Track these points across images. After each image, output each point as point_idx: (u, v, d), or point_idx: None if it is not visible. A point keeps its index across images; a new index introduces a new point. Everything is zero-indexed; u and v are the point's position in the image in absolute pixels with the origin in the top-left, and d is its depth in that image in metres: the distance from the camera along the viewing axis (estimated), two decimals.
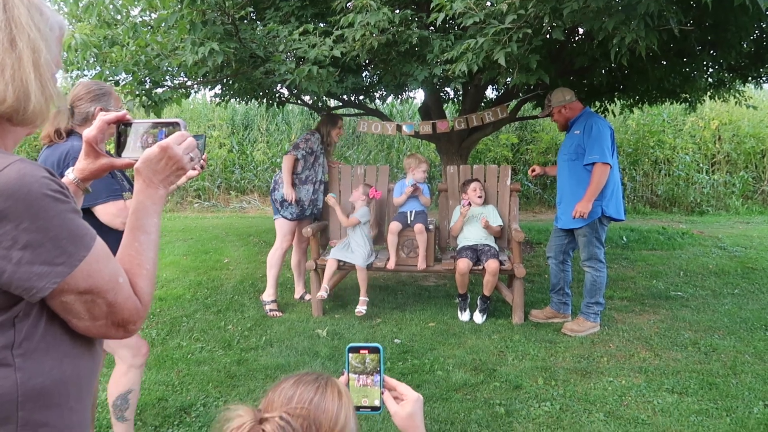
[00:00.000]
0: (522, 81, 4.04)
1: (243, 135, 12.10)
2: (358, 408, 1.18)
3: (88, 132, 1.20)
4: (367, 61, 5.14)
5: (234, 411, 0.96)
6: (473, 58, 3.73)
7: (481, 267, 4.38)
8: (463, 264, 4.33)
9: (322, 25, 4.83)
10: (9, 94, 0.91)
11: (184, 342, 4.11)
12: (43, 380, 0.93)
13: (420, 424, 1.20)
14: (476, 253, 4.49)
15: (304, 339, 4.13)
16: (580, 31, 5.21)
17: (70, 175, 1.26)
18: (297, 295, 5.14)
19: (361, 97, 6.78)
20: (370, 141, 11.73)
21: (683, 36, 3.86)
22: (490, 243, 4.60)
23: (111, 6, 4.35)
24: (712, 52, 5.05)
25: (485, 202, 4.81)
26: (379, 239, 5.10)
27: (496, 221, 4.70)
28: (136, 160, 1.13)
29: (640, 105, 6.94)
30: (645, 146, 10.65)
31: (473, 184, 4.76)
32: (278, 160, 11.17)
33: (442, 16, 3.70)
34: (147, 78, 4.47)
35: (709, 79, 6.13)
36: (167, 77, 4.71)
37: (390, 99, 7.90)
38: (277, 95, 6.20)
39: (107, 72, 4.27)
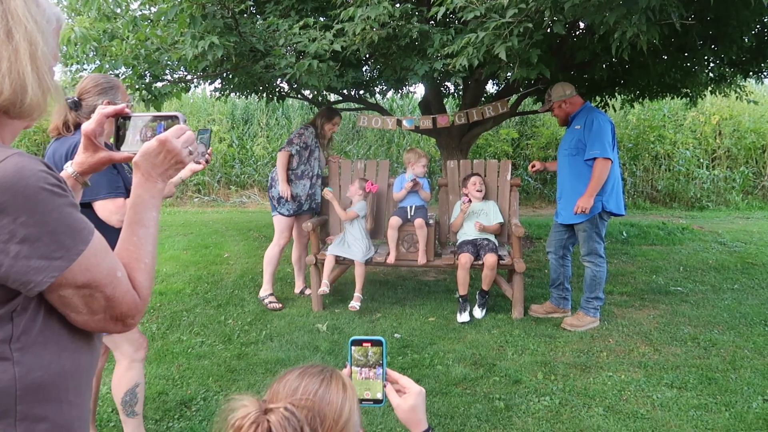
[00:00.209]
0: (523, 75, 4.03)
1: (243, 129, 12.08)
2: (360, 401, 1.18)
3: (87, 125, 1.19)
4: (367, 56, 5.13)
5: (239, 401, 0.96)
6: (474, 53, 3.71)
7: (480, 262, 4.38)
8: (465, 258, 4.33)
9: (322, 19, 4.81)
10: (6, 87, 0.91)
11: (184, 336, 4.12)
12: (41, 374, 0.93)
13: (422, 417, 1.20)
14: (476, 248, 4.49)
15: (304, 333, 4.14)
16: (581, 25, 5.20)
17: (69, 169, 1.26)
18: (297, 290, 5.14)
19: (362, 92, 6.77)
20: (370, 136, 11.71)
21: (684, 30, 3.84)
22: (489, 238, 4.60)
23: None
24: (713, 46, 5.04)
25: (485, 198, 4.80)
26: (377, 234, 5.10)
27: (496, 217, 4.69)
28: (135, 154, 1.12)
29: (640, 100, 6.93)
30: (645, 141, 10.63)
31: (473, 178, 4.75)
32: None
33: (442, 10, 3.68)
34: (147, 72, 4.46)
35: (710, 74, 6.12)
36: (167, 71, 4.70)
37: (390, 93, 7.89)
38: (277, 89, 6.18)
39: (107, 66, 4.26)
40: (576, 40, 5.12)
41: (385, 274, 5.76)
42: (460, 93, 7.23)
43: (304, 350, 3.84)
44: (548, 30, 3.75)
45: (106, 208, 2.19)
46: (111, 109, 1.19)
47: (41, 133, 11.25)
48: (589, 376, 3.42)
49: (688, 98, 6.62)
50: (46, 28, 0.98)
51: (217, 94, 6.13)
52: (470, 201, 4.60)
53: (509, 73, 4.52)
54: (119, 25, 4.36)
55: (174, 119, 1.17)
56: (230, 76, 5.32)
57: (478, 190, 4.72)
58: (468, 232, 4.65)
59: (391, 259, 4.63)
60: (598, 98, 6.81)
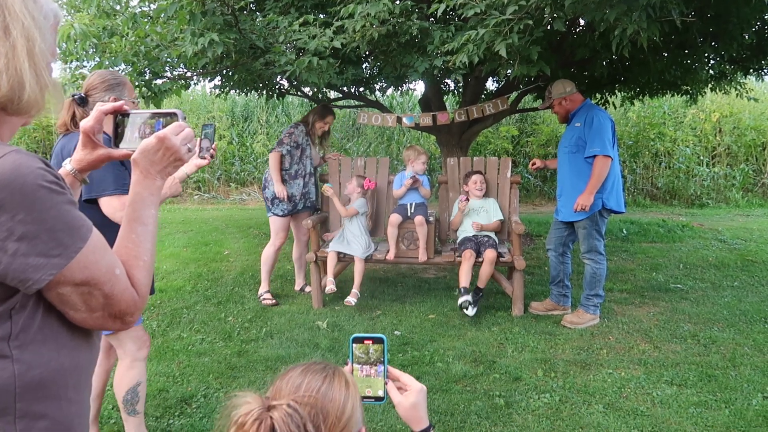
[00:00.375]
0: (523, 73, 4.02)
1: (243, 127, 12.07)
2: (362, 398, 1.18)
3: (85, 122, 1.19)
4: (367, 53, 5.11)
5: (242, 398, 0.96)
6: (474, 50, 3.71)
7: (481, 258, 4.37)
8: (469, 253, 4.32)
9: (322, 16, 4.80)
10: (3, 84, 0.90)
11: (184, 333, 4.12)
12: (40, 372, 0.93)
13: (423, 414, 1.20)
14: (477, 245, 4.48)
15: (305, 331, 4.14)
16: (582, 22, 5.18)
17: (68, 166, 1.25)
18: (297, 287, 5.15)
19: (361, 89, 6.76)
20: (370, 133, 11.70)
21: (685, 27, 3.84)
22: (490, 235, 4.59)
23: None
24: (713, 43, 5.03)
25: (486, 195, 4.80)
26: (377, 231, 5.10)
27: (496, 215, 4.69)
28: (134, 151, 1.12)
29: (640, 97, 6.92)
30: (645, 138, 10.62)
31: (475, 177, 4.74)
32: None
33: (442, 6, 3.68)
34: (146, 69, 4.45)
35: (711, 71, 6.11)
36: (167, 68, 4.68)
37: (390, 91, 7.88)
38: (277, 87, 6.17)
39: (106, 62, 4.25)
40: (576, 37, 5.11)
41: (385, 272, 5.76)
42: (460, 90, 7.22)
43: (305, 347, 3.84)
44: (548, 27, 3.75)
45: (111, 205, 2.19)
46: (109, 106, 1.19)
47: (41, 130, 11.25)
48: (589, 373, 3.42)
49: (689, 95, 6.61)
50: (44, 24, 0.98)
51: (217, 91, 6.12)
52: (467, 199, 4.59)
53: (509, 70, 4.51)
54: (119, 22, 4.35)
55: (173, 116, 1.17)
56: (230, 73, 5.31)
57: (478, 189, 4.71)
58: (468, 229, 4.65)
59: (390, 256, 4.62)
60: (598, 95, 6.80)
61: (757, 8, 4.10)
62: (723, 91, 6.61)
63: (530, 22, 3.42)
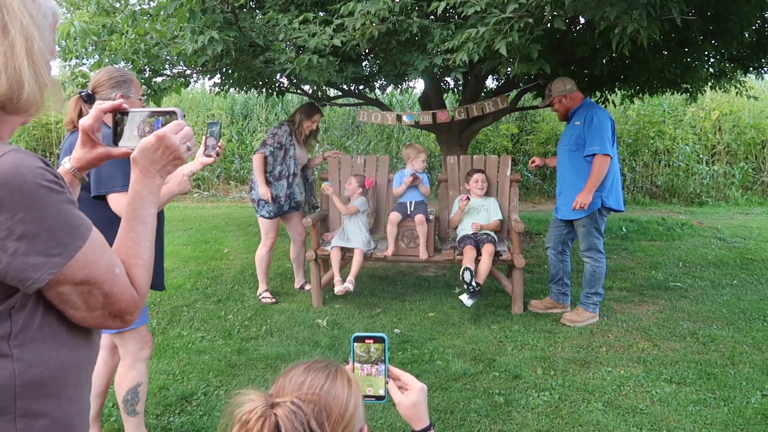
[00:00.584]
0: (523, 71, 4.02)
1: (242, 125, 12.06)
2: (363, 397, 1.19)
3: (85, 121, 1.19)
4: (367, 51, 5.11)
5: (245, 395, 0.96)
6: (474, 48, 3.70)
7: (480, 256, 4.37)
8: (468, 248, 4.32)
9: (322, 13, 4.80)
10: (2, 83, 0.90)
11: (184, 331, 4.12)
12: (40, 370, 0.93)
13: (424, 413, 1.21)
14: (476, 243, 4.48)
15: (305, 329, 4.14)
16: (582, 20, 5.18)
17: (67, 165, 1.25)
18: (297, 285, 5.15)
19: (361, 87, 6.75)
20: (370, 131, 11.70)
21: (685, 25, 3.83)
22: (489, 232, 4.59)
23: None
24: (713, 42, 5.03)
25: (486, 194, 4.80)
26: (377, 229, 5.10)
27: (496, 214, 4.69)
28: (133, 150, 1.12)
29: (640, 95, 6.91)
30: (645, 137, 10.62)
31: (476, 175, 4.73)
32: None
33: (442, 4, 3.67)
34: (146, 66, 4.44)
35: (710, 70, 6.11)
36: (166, 66, 4.68)
37: (390, 89, 7.86)
38: (276, 84, 6.16)
39: (106, 60, 4.25)
40: (576, 36, 5.10)
41: (384, 270, 5.76)
42: (460, 88, 7.22)
43: (305, 345, 3.85)
44: (548, 25, 3.74)
45: (119, 202, 2.18)
46: (109, 104, 1.19)
47: (40, 128, 11.25)
48: (589, 371, 3.42)
49: (688, 94, 6.61)
50: (42, 22, 0.97)
51: (217, 89, 6.11)
52: (468, 199, 4.59)
53: (509, 69, 4.50)
54: (118, 20, 4.35)
55: (172, 115, 1.17)
56: (230, 71, 5.31)
57: (479, 188, 4.71)
58: (467, 228, 4.64)
59: (388, 252, 4.61)
60: (598, 93, 6.80)
61: (757, 6, 4.10)
62: (723, 90, 6.60)
63: (530, 20, 3.42)
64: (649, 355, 3.61)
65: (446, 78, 6.84)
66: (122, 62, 4.31)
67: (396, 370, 1.26)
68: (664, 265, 5.75)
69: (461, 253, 4.38)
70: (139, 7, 4.61)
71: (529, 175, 10.67)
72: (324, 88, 6.59)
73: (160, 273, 2.57)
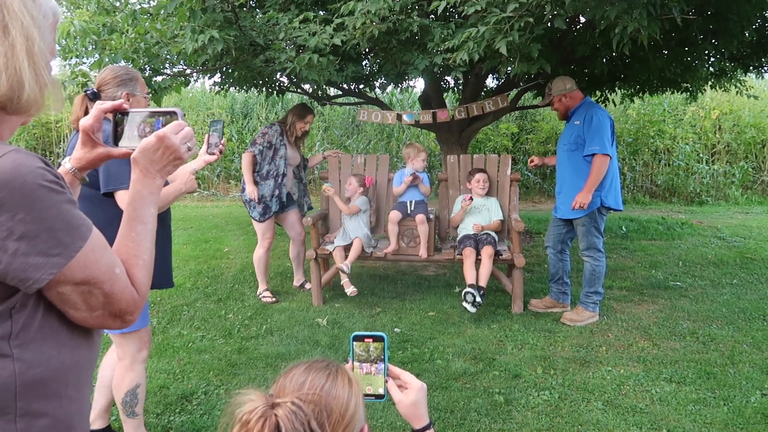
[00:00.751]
0: (523, 70, 4.02)
1: (242, 124, 12.06)
2: (363, 396, 1.19)
3: (85, 121, 1.19)
4: (367, 50, 5.11)
5: (246, 395, 0.96)
6: (474, 47, 3.70)
7: (480, 256, 4.37)
8: (468, 251, 4.32)
9: (322, 13, 4.79)
10: (2, 83, 0.90)
11: (184, 330, 4.13)
12: (41, 370, 0.93)
13: (423, 412, 1.21)
14: (476, 242, 4.49)
15: (305, 328, 4.15)
16: (582, 19, 5.18)
17: (67, 165, 1.25)
18: (296, 283, 5.15)
19: (361, 86, 6.75)
20: (370, 130, 11.70)
21: (685, 25, 3.83)
22: (489, 232, 4.59)
23: None
24: (713, 41, 5.02)
25: (487, 194, 4.80)
26: (378, 228, 5.10)
27: (497, 214, 4.69)
28: (133, 150, 1.12)
29: (640, 94, 6.91)
30: (645, 136, 10.61)
31: (478, 175, 4.72)
32: None
33: (443, 4, 3.67)
34: (146, 66, 4.44)
35: (711, 69, 6.10)
36: (167, 65, 4.68)
37: (390, 88, 7.86)
38: (276, 84, 6.16)
39: (106, 59, 4.24)
40: (576, 35, 5.10)
41: (385, 269, 5.77)
42: (460, 87, 7.21)
43: (305, 344, 3.85)
44: (549, 24, 3.74)
45: (125, 199, 2.19)
46: (109, 104, 1.19)
47: (40, 127, 11.25)
48: (589, 370, 3.43)
49: (688, 93, 6.61)
50: (43, 23, 0.97)
51: (217, 88, 6.11)
52: (471, 199, 4.59)
53: (510, 68, 4.50)
54: (119, 19, 4.34)
55: (172, 115, 1.17)
56: (230, 70, 5.30)
57: (481, 188, 4.71)
58: (468, 228, 4.65)
59: (391, 249, 4.61)
60: (598, 93, 6.80)
61: (758, 6, 4.09)
62: (723, 89, 6.61)
63: (531, 19, 3.42)
64: (648, 355, 3.62)
65: (446, 77, 6.84)
66: (122, 61, 4.31)
67: (395, 369, 1.26)
68: (664, 265, 5.75)
69: (461, 253, 4.39)
70: (139, 6, 4.61)
71: (529, 174, 10.67)
72: (324, 87, 6.59)
73: (168, 270, 2.58)
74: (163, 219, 2.44)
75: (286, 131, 4.81)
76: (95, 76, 4.20)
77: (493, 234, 4.58)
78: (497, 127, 10.96)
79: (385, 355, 1.25)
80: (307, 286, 5.03)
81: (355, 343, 1.25)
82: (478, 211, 4.69)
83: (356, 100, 7.14)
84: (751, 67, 5.83)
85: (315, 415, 0.96)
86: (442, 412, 2.96)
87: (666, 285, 5.05)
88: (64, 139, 11.33)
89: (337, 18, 4.15)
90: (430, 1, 3.85)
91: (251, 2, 5.18)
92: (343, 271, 4.45)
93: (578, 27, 5.32)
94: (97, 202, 2.23)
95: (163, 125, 1.14)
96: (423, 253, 4.57)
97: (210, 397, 3.17)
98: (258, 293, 4.86)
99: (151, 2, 4.88)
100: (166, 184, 2.39)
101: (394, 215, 4.62)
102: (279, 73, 5.27)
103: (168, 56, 4.41)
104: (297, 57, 4.11)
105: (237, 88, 6.12)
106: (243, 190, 4.78)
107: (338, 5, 4.11)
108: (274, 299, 4.76)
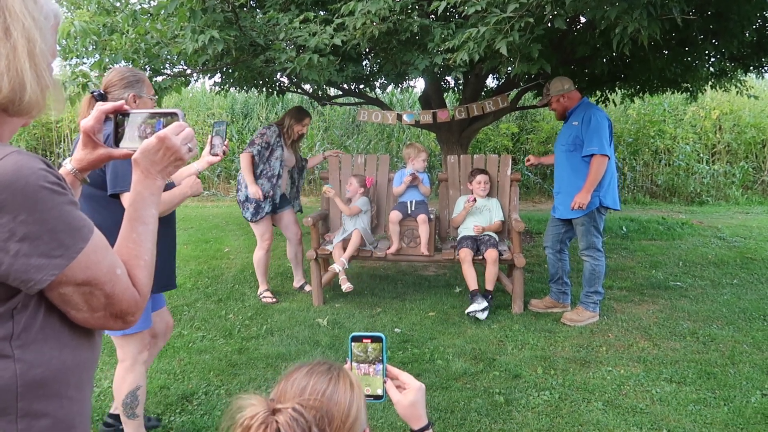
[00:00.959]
0: (523, 70, 4.02)
1: (243, 124, 12.06)
2: None
3: (86, 122, 1.19)
4: (367, 50, 5.11)
5: (246, 400, 0.96)
6: (475, 48, 3.70)
7: (481, 257, 4.38)
8: (464, 253, 4.33)
9: (322, 13, 4.79)
10: (4, 85, 0.91)
11: (185, 331, 4.13)
12: (42, 371, 0.94)
13: (422, 412, 1.21)
14: (476, 243, 4.49)
15: (305, 328, 4.15)
16: (582, 20, 5.18)
17: (68, 166, 1.26)
18: (296, 284, 5.14)
19: (362, 86, 6.75)
20: (370, 130, 11.70)
21: (685, 25, 3.83)
22: (490, 233, 4.59)
23: None
24: (714, 41, 5.02)
25: (488, 195, 4.80)
26: (378, 229, 5.10)
27: (497, 215, 4.69)
28: (134, 151, 1.12)
29: (641, 94, 6.91)
30: (645, 136, 10.61)
31: (479, 177, 4.72)
32: None
33: (443, 4, 3.67)
34: (147, 66, 4.44)
35: (711, 69, 6.10)
36: (167, 65, 4.68)
37: (390, 88, 7.86)
38: (277, 84, 6.16)
39: (107, 60, 4.25)
40: (577, 35, 5.10)
41: (385, 269, 5.77)
42: (460, 87, 7.21)
43: (305, 345, 3.85)
44: (549, 25, 3.74)
45: (127, 201, 2.19)
46: (110, 105, 1.19)
47: (40, 128, 11.25)
48: (589, 370, 3.43)
49: (689, 93, 6.61)
50: (44, 24, 0.98)
51: (217, 88, 6.12)
52: (475, 200, 4.59)
53: (510, 68, 4.50)
54: (119, 19, 4.35)
55: (173, 116, 1.17)
56: (230, 71, 5.31)
57: (482, 189, 4.70)
58: (469, 227, 4.65)
59: (392, 249, 4.61)
60: (598, 93, 6.80)
61: (758, 6, 4.09)
62: (723, 89, 6.61)
63: (531, 19, 3.42)
64: (649, 355, 3.62)
65: (447, 77, 6.85)
66: (123, 61, 4.31)
67: (394, 370, 1.26)
68: (664, 265, 5.75)
69: (459, 254, 4.39)
70: (139, 7, 4.61)
71: (530, 174, 10.67)
72: (324, 87, 6.60)
73: (171, 272, 2.58)
74: (168, 222, 2.45)
75: (284, 133, 4.81)
76: (96, 77, 4.21)
77: (494, 235, 4.58)
78: (497, 127, 10.96)
79: (384, 356, 1.25)
80: (307, 288, 5.02)
81: (353, 343, 1.25)
82: (479, 212, 4.69)
83: (356, 100, 7.14)
84: (751, 67, 5.83)
85: (316, 421, 0.96)
86: (443, 412, 2.96)
87: (666, 285, 5.05)
88: (64, 140, 11.34)
89: (337, 18, 4.15)
90: (431, 2, 3.85)
91: (251, 2, 5.18)
92: (336, 271, 4.46)
93: (578, 27, 5.32)
94: (103, 203, 2.23)
95: (164, 126, 1.14)
96: (425, 249, 4.56)
97: (210, 397, 3.17)
98: (258, 293, 4.86)
99: (152, 2, 4.88)
100: (168, 184, 2.40)
101: (395, 215, 4.62)
102: (279, 74, 5.27)
103: (168, 56, 4.42)
104: (297, 57, 4.11)
105: (237, 88, 6.13)
106: (238, 190, 4.78)
107: (338, 5, 4.11)
108: (274, 299, 4.76)
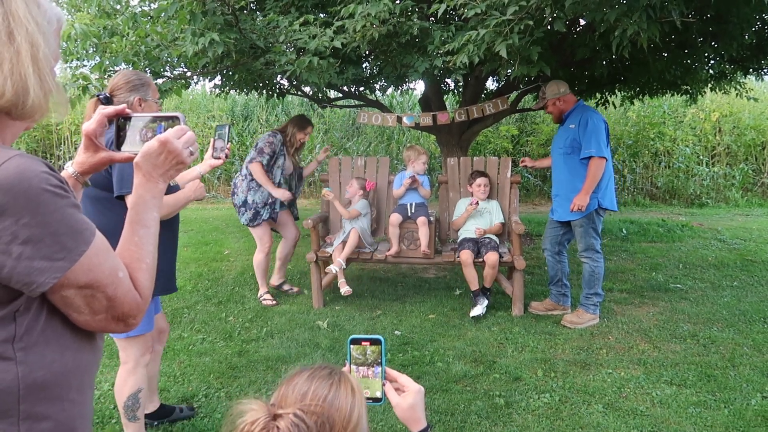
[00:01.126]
0: (523, 73, 4.03)
1: (243, 126, 12.07)
2: None
3: (88, 125, 1.20)
4: (367, 52, 5.12)
5: (247, 405, 0.96)
6: (474, 50, 3.71)
7: (481, 259, 4.38)
8: (465, 255, 4.33)
9: (322, 15, 4.80)
10: (8, 88, 0.91)
11: (185, 333, 4.13)
12: (44, 373, 0.94)
13: (421, 415, 1.21)
14: (477, 245, 4.49)
15: (305, 330, 4.15)
16: (582, 22, 5.18)
17: (70, 169, 1.26)
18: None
19: (362, 89, 6.76)
20: (370, 132, 11.70)
21: (685, 27, 3.84)
22: (490, 235, 4.60)
23: None
24: (713, 43, 5.03)
25: (489, 197, 4.80)
26: (378, 231, 5.10)
27: (498, 217, 4.70)
28: (136, 154, 1.13)
29: (640, 97, 6.92)
30: (645, 138, 10.62)
31: (480, 179, 4.72)
32: None
33: (443, 6, 3.68)
34: (147, 68, 4.45)
35: (710, 71, 6.11)
36: (167, 68, 4.69)
37: (390, 90, 7.87)
38: (277, 86, 6.17)
39: (107, 62, 4.25)
40: (576, 38, 5.11)
41: (385, 272, 5.77)
42: (460, 90, 7.22)
43: (305, 347, 3.85)
44: (549, 27, 3.75)
45: (129, 204, 2.20)
46: (112, 109, 1.20)
47: (41, 130, 11.26)
48: (589, 373, 3.43)
49: (688, 95, 6.61)
50: (47, 29, 0.98)
51: (217, 90, 6.12)
52: (477, 203, 4.59)
53: (510, 71, 4.51)
54: (119, 22, 4.35)
55: (174, 120, 1.17)
56: (230, 73, 5.31)
57: (483, 192, 4.71)
58: (469, 229, 4.65)
59: (392, 252, 4.61)
60: (598, 95, 6.81)
61: (757, 8, 4.10)
62: (723, 91, 6.61)
63: (530, 22, 3.42)
64: (649, 357, 3.62)
65: (446, 80, 6.86)
66: (123, 64, 4.32)
67: (393, 372, 1.26)
68: (664, 267, 5.75)
69: (459, 255, 4.40)
70: (139, 9, 4.61)
71: (529, 176, 10.67)
72: (324, 89, 6.60)
73: (172, 276, 2.58)
74: (171, 225, 2.45)
75: (287, 142, 4.82)
76: (96, 79, 4.22)
77: (495, 238, 4.58)
78: (497, 129, 10.96)
79: (383, 359, 1.24)
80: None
81: (352, 346, 1.25)
82: (480, 214, 4.69)
83: (356, 102, 7.15)
84: (750, 70, 5.83)
85: (317, 427, 0.96)
86: (443, 414, 2.96)
87: (666, 287, 5.05)
88: (64, 142, 11.34)
89: (337, 21, 4.16)
90: (430, 4, 3.86)
91: (251, 5, 5.19)
92: (333, 273, 4.46)
93: (578, 30, 5.33)
94: (108, 205, 2.24)
95: (165, 130, 1.15)
96: (425, 248, 4.56)
97: (210, 399, 3.17)
98: (258, 296, 4.86)
99: (152, 5, 4.88)
100: (173, 187, 2.41)
101: (395, 218, 4.63)
102: (279, 76, 5.28)
103: (168, 59, 4.42)
104: (297, 60, 4.12)
105: (237, 90, 6.13)
106: (234, 194, 4.78)
107: (338, 8, 4.12)
108: (274, 302, 4.76)
